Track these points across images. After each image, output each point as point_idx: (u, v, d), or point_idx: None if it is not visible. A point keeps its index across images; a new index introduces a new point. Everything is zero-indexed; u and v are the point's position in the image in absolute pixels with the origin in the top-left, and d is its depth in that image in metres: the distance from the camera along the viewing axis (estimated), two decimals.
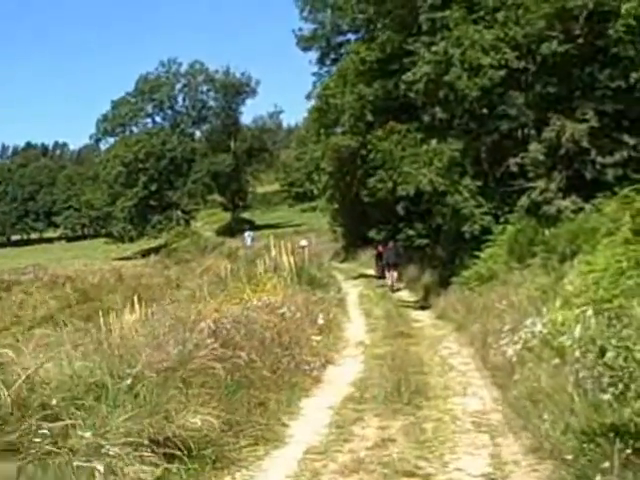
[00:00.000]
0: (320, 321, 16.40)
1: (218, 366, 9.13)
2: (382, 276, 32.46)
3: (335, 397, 11.20)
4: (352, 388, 11.79)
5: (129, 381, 7.53)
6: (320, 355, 13.81)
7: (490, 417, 9.71)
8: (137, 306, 16.69)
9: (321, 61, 37.83)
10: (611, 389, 6.96)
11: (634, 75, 17.81)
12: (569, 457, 6.79)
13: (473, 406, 10.39)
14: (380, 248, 33.18)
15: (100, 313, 12.73)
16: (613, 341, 7.45)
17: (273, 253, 24.84)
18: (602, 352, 7.39)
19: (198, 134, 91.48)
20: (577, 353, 7.80)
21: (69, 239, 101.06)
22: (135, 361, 8.07)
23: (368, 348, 16.10)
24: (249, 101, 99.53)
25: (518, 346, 11.00)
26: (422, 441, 8.60)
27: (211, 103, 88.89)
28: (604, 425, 6.60)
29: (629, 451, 6.31)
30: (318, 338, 15.17)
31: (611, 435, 6.49)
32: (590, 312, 9.14)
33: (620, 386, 6.91)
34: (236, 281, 19.98)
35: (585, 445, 6.67)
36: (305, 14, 37.89)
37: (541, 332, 10.64)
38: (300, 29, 38.10)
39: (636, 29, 17.65)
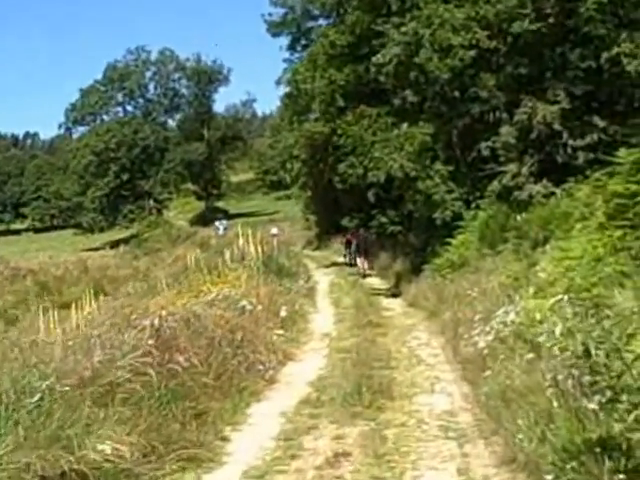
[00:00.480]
0: (283, 313, 15.64)
1: (151, 373, 8.14)
2: (351, 264, 32.40)
3: (290, 400, 10.32)
4: (310, 389, 10.93)
5: (36, 397, 6.43)
6: (279, 352, 12.95)
7: (459, 419, 8.91)
8: (91, 301, 15.91)
9: (292, 47, 36.56)
10: (597, 397, 6.02)
11: (605, 55, 17.36)
12: (548, 477, 5.92)
13: (441, 406, 9.61)
14: (349, 236, 33.15)
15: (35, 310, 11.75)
16: (594, 335, 6.59)
17: (240, 242, 24.12)
18: (584, 350, 6.48)
19: (171, 123, 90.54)
20: (555, 350, 6.88)
21: (37, 230, 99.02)
22: (52, 371, 7.01)
23: (333, 341, 15.37)
24: (222, 89, 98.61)
25: (490, 337, 10.38)
26: (381, 454, 7.67)
27: (183, 91, 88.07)
28: (589, 440, 5.71)
29: (622, 476, 5.42)
30: (280, 332, 14.40)
31: (597, 451, 5.61)
32: (565, 300, 8.36)
33: (608, 393, 5.96)
34: (198, 272, 19.20)
35: (567, 464, 5.77)
36: None
37: (513, 322, 9.99)
38: (270, 14, 36.96)
39: (607, 7, 17.11)
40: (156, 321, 9.79)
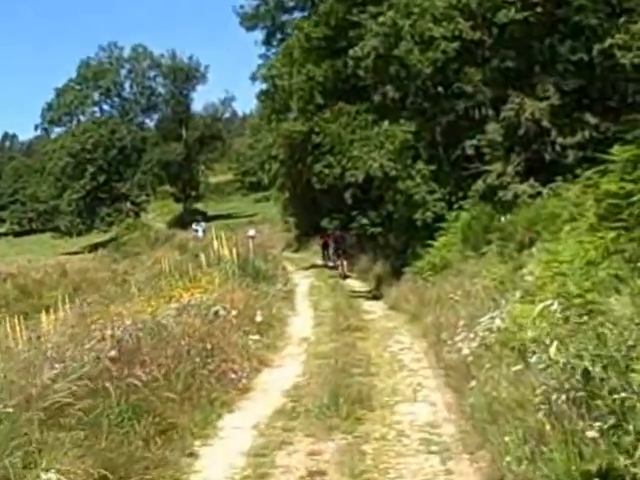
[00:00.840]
0: (258, 318, 15.04)
1: (109, 388, 7.41)
2: (327, 265, 32.67)
3: (264, 410, 9.72)
4: (285, 398, 10.35)
5: None
6: (253, 358, 12.41)
7: (442, 431, 8.36)
8: (65, 305, 15.30)
9: (268, 42, 35.77)
10: (598, 423, 5.28)
11: (597, 47, 16.67)
12: None
13: (423, 416, 9.05)
14: (325, 237, 33.30)
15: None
16: (590, 346, 5.94)
17: (216, 245, 23.54)
18: (581, 366, 5.78)
19: (149, 122, 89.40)
20: (550, 370, 6.17)
21: (16, 234, 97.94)
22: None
23: (312, 345, 14.88)
24: (200, 87, 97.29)
25: (474, 344, 9.89)
26: (359, 473, 7.07)
27: (160, 90, 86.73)
28: (588, 472, 4.98)
29: None
30: (255, 337, 13.82)
31: None
32: (555, 306, 7.78)
33: (611, 420, 5.20)
34: (170, 276, 18.59)
35: None
36: None
37: (499, 328, 9.45)
38: (242, 6, 36.16)
39: None
40: (119, 331, 9.11)
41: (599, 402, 5.35)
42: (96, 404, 7.34)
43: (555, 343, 6.00)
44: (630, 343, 5.93)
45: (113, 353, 8.39)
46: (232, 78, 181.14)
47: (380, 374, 11.67)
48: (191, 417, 8.79)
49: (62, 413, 6.77)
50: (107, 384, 7.55)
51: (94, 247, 67.53)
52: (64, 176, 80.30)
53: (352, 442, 8.07)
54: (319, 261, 35.71)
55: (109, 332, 9.10)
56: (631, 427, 5.02)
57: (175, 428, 8.21)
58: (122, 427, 7.39)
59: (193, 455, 7.91)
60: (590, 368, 5.62)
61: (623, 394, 5.17)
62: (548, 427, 5.83)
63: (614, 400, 5.23)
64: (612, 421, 5.19)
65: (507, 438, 6.42)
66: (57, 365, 7.46)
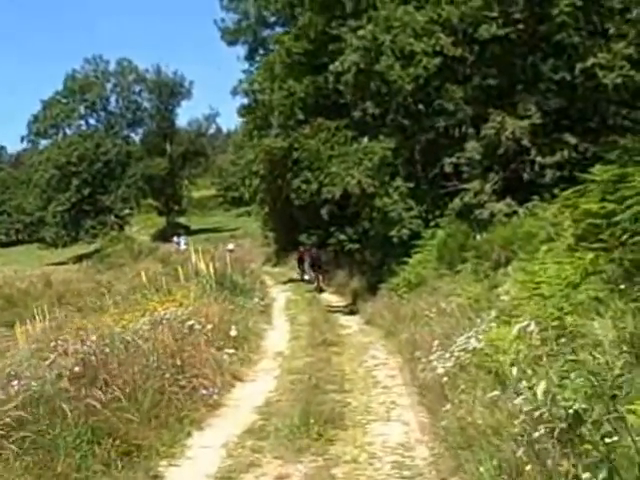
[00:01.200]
0: (233, 332, 14.84)
1: (67, 409, 7.10)
2: (303, 279, 33.31)
3: (234, 428, 9.47)
4: (256, 415, 10.13)
5: None
6: (226, 373, 12.23)
7: (414, 454, 8.13)
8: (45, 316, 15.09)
9: (250, 57, 35.39)
10: (586, 474, 4.68)
11: (579, 66, 16.40)
12: None
13: (396, 437, 8.83)
14: (301, 253, 33.78)
15: None
16: (572, 375, 5.49)
17: (194, 258, 23.37)
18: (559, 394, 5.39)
19: (134, 136, 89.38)
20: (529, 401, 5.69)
21: (3, 245, 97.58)
22: None
23: (286, 360, 14.75)
24: (185, 103, 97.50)
25: (449, 363, 9.71)
26: None
27: (145, 105, 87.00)
28: None
29: None
30: (230, 351, 13.64)
31: None
32: (532, 327, 7.53)
33: (603, 472, 4.55)
34: (146, 289, 18.38)
35: None
36: (225, 2, 35.41)
37: (475, 349, 9.26)
38: (223, 20, 35.79)
39: (580, 13, 16.27)
40: (85, 346, 8.82)
41: (588, 446, 4.83)
42: (52, 426, 7.03)
43: (543, 383, 5.47)
44: (616, 372, 5.35)
45: (77, 369, 8.09)
46: (217, 95, 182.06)
47: (354, 391, 11.51)
48: (158, 436, 8.50)
49: (10, 438, 6.42)
50: (64, 405, 7.23)
51: (79, 258, 68.41)
52: (49, 188, 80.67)
53: (322, 465, 7.84)
54: (296, 275, 35.87)
55: (72, 347, 8.81)
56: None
57: (139, 449, 7.91)
58: (80, 450, 7.08)
59: (158, 477, 7.63)
60: (573, 401, 5.18)
61: (615, 437, 4.68)
62: (529, 467, 5.48)
63: (606, 444, 4.69)
64: (604, 474, 4.61)
65: (482, 468, 6.17)
66: (14, 383, 7.17)
